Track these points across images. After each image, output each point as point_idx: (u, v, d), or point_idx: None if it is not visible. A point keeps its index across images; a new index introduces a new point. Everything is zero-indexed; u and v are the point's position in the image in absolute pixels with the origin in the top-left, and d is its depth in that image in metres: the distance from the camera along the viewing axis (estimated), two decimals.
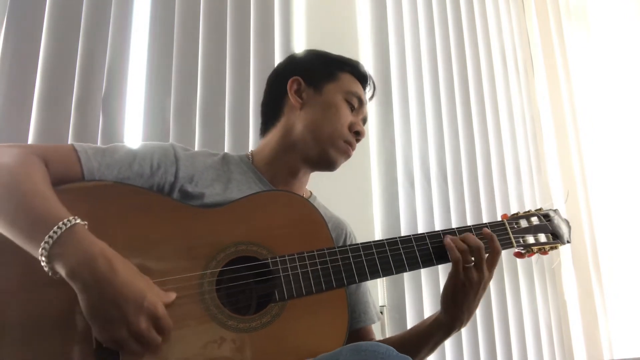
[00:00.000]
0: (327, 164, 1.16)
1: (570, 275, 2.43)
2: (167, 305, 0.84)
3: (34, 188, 0.85)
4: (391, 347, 0.79)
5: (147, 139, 1.56)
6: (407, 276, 1.92)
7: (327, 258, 0.98)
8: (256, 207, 1.01)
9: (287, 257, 0.96)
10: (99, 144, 1.47)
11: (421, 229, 2.01)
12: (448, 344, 1.96)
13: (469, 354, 2.00)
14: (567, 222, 1.21)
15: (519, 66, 2.56)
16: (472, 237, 1.03)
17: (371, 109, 2.06)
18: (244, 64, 1.76)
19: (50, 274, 0.79)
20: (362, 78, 1.22)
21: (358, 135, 1.17)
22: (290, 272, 0.96)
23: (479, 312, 2.06)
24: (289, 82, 1.18)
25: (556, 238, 1.16)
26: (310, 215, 1.03)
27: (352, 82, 1.19)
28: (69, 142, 1.43)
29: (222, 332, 0.89)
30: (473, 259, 1.01)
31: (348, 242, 1.22)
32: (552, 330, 2.26)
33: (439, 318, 1.07)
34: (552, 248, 1.15)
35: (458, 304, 1.02)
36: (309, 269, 0.96)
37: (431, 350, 1.11)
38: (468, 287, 1.01)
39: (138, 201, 0.96)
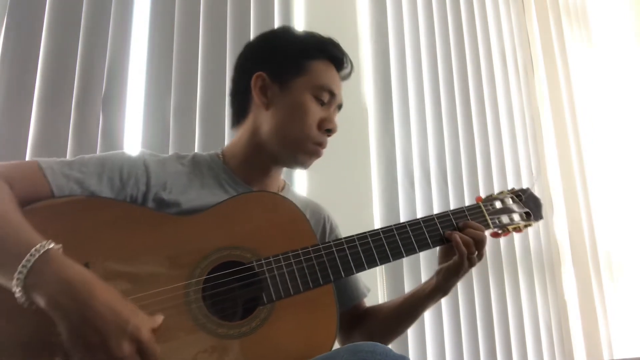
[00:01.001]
0: (298, 166, 1.14)
1: (570, 275, 2.43)
2: (155, 330, 0.80)
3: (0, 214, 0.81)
4: (388, 347, 0.80)
5: (147, 139, 1.56)
6: (406, 273, 1.92)
7: (312, 255, 0.97)
8: (236, 211, 0.99)
9: (272, 259, 0.95)
10: (98, 144, 1.47)
11: None
12: (448, 343, 1.96)
13: (469, 354, 2.00)
14: (539, 200, 1.24)
15: (519, 66, 2.56)
16: (475, 232, 1.08)
17: (371, 109, 2.06)
18: None
19: (25, 305, 0.75)
20: (336, 61, 1.14)
21: (329, 132, 1.11)
22: (276, 273, 0.94)
23: (479, 312, 2.06)
24: (253, 78, 1.10)
25: (529, 216, 1.20)
26: (291, 214, 1.02)
27: (322, 72, 1.11)
28: (69, 142, 1.43)
29: (212, 340, 0.88)
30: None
31: (327, 226, 1.22)
32: (552, 330, 2.26)
33: (435, 291, 1.13)
34: (526, 226, 1.20)
35: (455, 281, 1.12)
36: (294, 267, 0.96)
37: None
38: (467, 268, 1.10)
39: (113, 214, 0.93)
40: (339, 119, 1.15)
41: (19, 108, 1.38)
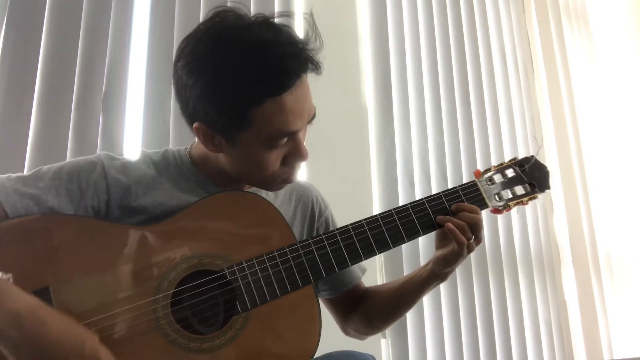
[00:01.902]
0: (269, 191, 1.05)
1: (570, 275, 2.43)
2: (117, 345, 0.79)
3: None
4: (365, 354, 0.79)
5: (147, 139, 1.56)
6: (405, 261, 1.92)
7: (289, 256, 0.91)
8: (205, 214, 0.93)
9: (245, 264, 0.89)
10: (99, 144, 1.47)
11: None
12: (448, 343, 1.96)
13: (469, 354, 1.99)
14: (545, 168, 1.12)
15: (519, 66, 2.56)
16: (469, 216, 1.00)
17: (371, 108, 2.06)
18: None
19: None
20: (291, 82, 0.86)
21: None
22: (250, 279, 0.88)
23: (479, 312, 2.06)
24: (193, 128, 0.92)
25: (534, 187, 1.09)
26: (266, 213, 0.95)
27: (273, 118, 0.86)
28: (69, 142, 1.43)
29: (185, 356, 0.84)
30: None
31: (317, 209, 1.14)
32: (552, 330, 2.26)
33: (431, 278, 1.05)
34: (530, 199, 1.09)
35: (453, 265, 1.03)
36: (270, 272, 0.89)
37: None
38: (466, 253, 1.01)
39: (73, 231, 0.87)
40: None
41: (19, 108, 1.38)
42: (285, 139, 0.90)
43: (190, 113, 0.92)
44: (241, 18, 0.90)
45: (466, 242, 0.98)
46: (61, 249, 0.85)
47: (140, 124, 1.57)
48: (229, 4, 1.81)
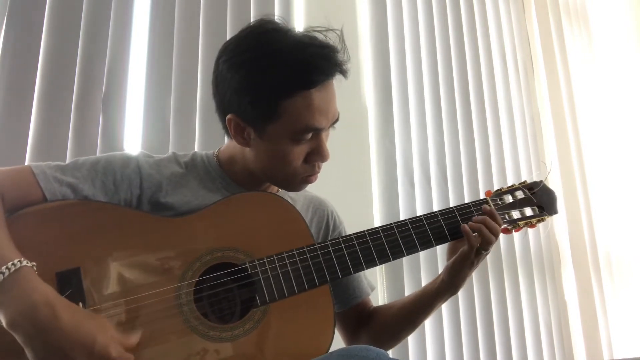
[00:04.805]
0: (291, 191, 1.10)
1: (570, 275, 2.43)
2: (139, 327, 0.81)
3: None
4: (382, 351, 0.80)
5: (147, 139, 1.56)
6: (406, 273, 1.92)
7: (308, 255, 0.95)
8: (230, 211, 0.98)
9: (265, 260, 0.94)
10: (98, 144, 1.48)
11: None
12: (448, 344, 1.96)
13: (469, 354, 1.99)
14: (553, 193, 1.18)
15: (519, 66, 2.56)
16: (495, 227, 1.06)
17: (371, 109, 2.06)
18: None
19: None
20: (321, 81, 0.95)
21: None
22: (270, 274, 0.93)
23: (479, 312, 2.06)
24: (226, 120, 1.00)
25: (543, 210, 1.14)
26: (287, 214, 1.00)
27: (301, 112, 0.94)
28: (69, 142, 1.43)
29: (204, 343, 0.86)
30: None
31: (331, 222, 1.19)
32: (552, 330, 2.26)
33: (442, 288, 1.09)
34: (539, 221, 1.14)
35: (462, 276, 1.07)
36: (289, 268, 0.94)
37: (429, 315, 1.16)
38: (475, 264, 1.07)
39: (106, 217, 0.92)
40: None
41: (19, 108, 1.38)
42: (309, 135, 0.97)
43: (225, 105, 0.99)
44: (281, 26, 1.01)
45: (477, 244, 1.03)
46: (94, 233, 0.90)
47: (140, 124, 1.56)
48: (229, 3, 1.81)
